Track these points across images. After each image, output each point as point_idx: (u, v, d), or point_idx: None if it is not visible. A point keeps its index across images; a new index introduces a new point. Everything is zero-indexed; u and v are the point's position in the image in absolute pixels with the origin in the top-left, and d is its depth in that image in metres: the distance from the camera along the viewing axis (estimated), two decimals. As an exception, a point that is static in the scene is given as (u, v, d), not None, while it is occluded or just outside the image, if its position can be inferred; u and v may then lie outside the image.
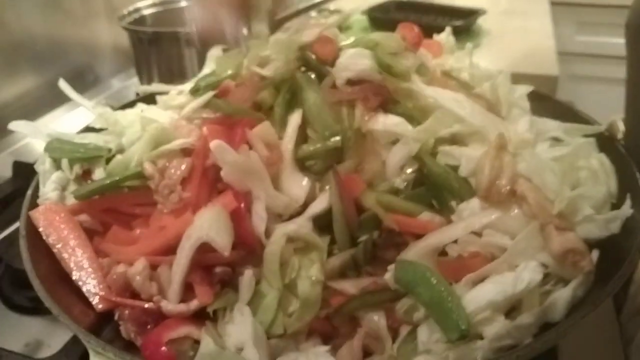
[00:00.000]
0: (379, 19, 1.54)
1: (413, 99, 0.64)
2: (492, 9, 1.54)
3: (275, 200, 0.56)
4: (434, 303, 0.46)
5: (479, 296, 0.47)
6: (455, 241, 0.52)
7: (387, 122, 0.61)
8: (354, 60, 0.64)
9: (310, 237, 0.54)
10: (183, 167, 0.58)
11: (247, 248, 0.54)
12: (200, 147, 0.60)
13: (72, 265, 0.57)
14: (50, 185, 0.65)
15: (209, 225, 0.51)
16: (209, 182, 0.58)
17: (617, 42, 0.85)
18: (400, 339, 0.50)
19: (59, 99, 1.25)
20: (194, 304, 0.51)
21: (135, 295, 0.54)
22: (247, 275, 0.52)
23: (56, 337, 0.67)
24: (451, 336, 0.45)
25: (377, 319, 0.51)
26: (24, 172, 0.95)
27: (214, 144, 0.55)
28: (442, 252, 0.53)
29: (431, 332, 0.47)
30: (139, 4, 1.26)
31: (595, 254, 0.51)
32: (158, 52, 1.15)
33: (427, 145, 0.59)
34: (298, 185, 0.58)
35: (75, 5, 1.29)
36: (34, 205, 0.64)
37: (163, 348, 0.49)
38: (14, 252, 0.76)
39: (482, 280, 0.48)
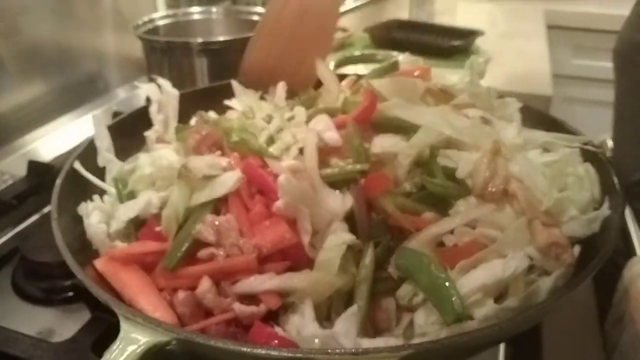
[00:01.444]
0: (381, 38, 1.58)
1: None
2: (490, 31, 1.58)
3: (321, 218, 0.59)
4: (433, 288, 0.51)
5: (471, 280, 0.51)
6: (452, 232, 0.57)
7: (384, 144, 0.66)
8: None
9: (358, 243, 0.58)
10: (232, 222, 0.59)
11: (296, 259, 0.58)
12: (244, 190, 0.62)
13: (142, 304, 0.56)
14: (95, 217, 0.66)
15: None
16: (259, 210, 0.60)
17: (611, 66, 0.90)
18: (405, 325, 0.54)
19: (69, 106, 1.29)
20: (263, 307, 0.54)
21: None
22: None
23: (67, 327, 0.69)
24: (448, 319, 0.49)
25: (386, 305, 0.55)
26: (38, 171, 0.99)
27: (282, 178, 0.57)
28: (441, 244, 0.57)
29: (427, 316, 0.52)
30: (153, 15, 1.31)
31: (577, 249, 0.56)
32: (170, 61, 1.20)
33: (423, 157, 0.64)
34: (333, 201, 0.61)
35: (86, 14, 1.33)
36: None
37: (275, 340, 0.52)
38: (29, 245, 0.79)
39: (474, 267, 0.53)
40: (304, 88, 0.83)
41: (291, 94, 0.84)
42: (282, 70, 0.80)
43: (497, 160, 0.60)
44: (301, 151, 0.66)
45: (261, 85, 0.84)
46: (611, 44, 0.87)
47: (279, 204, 0.57)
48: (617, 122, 0.80)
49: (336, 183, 0.62)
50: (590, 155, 0.67)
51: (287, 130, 0.73)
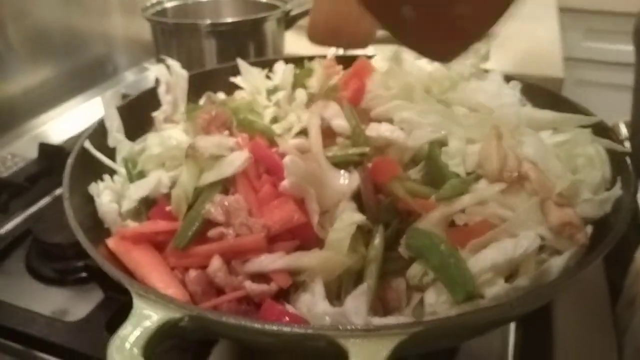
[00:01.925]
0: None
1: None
2: (501, 14, 1.57)
3: (328, 198, 0.59)
4: (442, 267, 0.51)
5: (481, 259, 0.51)
6: (463, 212, 0.56)
7: (380, 129, 0.66)
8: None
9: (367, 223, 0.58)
10: (240, 202, 0.59)
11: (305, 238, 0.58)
12: (252, 170, 0.62)
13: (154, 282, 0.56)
14: (106, 196, 0.66)
15: None
16: (267, 190, 0.61)
17: (624, 49, 0.89)
18: (414, 304, 0.54)
19: (78, 89, 1.30)
20: (274, 285, 0.54)
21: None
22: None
23: (80, 307, 0.70)
24: (458, 297, 0.49)
25: (397, 284, 0.56)
26: (49, 153, 1.00)
27: (287, 159, 0.57)
28: (452, 224, 0.57)
29: (437, 295, 0.52)
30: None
31: (589, 229, 0.55)
32: (179, 43, 1.19)
33: (422, 151, 0.64)
34: (339, 180, 0.61)
35: (94, -3, 1.33)
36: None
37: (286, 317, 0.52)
38: (42, 227, 0.80)
39: (484, 246, 0.53)
40: (364, 46, 0.84)
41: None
42: (343, 29, 0.81)
43: (503, 145, 0.60)
44: (303, 130, 0.67)
45: (326, 44, 0.85)
46: (622, 26, 0.86)
47: (284, 183, 0.58)
48: (637, 105, 0.79)
49: (341, 164, 0.62)
50: (601, 135, 0.67)
51: (291, 110, 0.74)
